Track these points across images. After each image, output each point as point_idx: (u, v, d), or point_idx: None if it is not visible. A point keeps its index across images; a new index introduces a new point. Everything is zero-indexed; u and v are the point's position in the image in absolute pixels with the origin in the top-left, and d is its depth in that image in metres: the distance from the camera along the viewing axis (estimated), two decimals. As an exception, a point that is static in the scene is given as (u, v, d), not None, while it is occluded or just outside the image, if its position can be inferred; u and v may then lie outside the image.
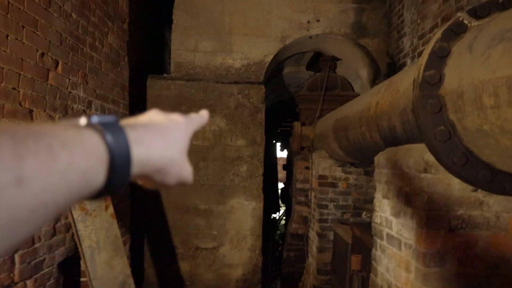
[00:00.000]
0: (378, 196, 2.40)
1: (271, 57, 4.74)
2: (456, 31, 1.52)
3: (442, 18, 3.27)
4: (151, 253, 4.50)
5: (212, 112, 4.59)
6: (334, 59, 5.80)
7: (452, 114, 1.51)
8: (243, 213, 4.55)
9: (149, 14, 4.69)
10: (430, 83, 1.52)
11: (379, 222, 2.37)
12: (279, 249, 8.43)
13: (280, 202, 11.58)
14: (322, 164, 4.61)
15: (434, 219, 1.79)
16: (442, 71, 1.53)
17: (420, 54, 3.68)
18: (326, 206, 4.59)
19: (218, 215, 4.54)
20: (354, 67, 5.45)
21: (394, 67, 4.50)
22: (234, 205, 4.56)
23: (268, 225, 10.63)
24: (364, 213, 4.61)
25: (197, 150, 4.54)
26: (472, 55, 1.37)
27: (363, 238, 2.91)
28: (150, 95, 4.54)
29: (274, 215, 12.55)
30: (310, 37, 4.85)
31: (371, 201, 4.67)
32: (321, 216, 4.58)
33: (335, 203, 4.60)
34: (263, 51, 4.73)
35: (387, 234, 2.23)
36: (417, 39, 3.79)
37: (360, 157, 3.34)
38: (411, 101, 1.80)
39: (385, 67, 4.71)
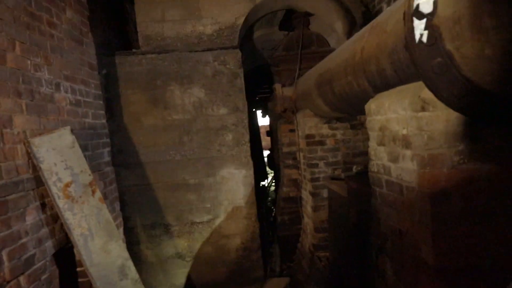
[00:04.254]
0: (372, 144, 2.34)
1: (242, 18, 4.54)
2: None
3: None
4: (147, 235, 4.41)
5: (190, 83, 4.41)
6: (307, 15, 5.63)
7: (449, 44, 1.42)
8: (234, 182, 4.48)
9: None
10: (423, 13, 1.42)
11: (376, 170, 2.32)
12: (273, 214, 8.49)
13: (267, 169, 11.60)
14: (308, 123, 4.53)
15: (435, 158, 1.73)
16: (435, -1, 1.43)
17: (396, -4, 3.55)
18: (316, 165, 4.56)
19: (209, 188, 4.45)
20: (329, 21, 5.29)
21: (369, 15, 4.37)
22: (225, 176, 4.47)
23: (259, 192, 10.68)
24: (354, 167, 4.60)
25: (179, 125, 4.39)
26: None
27: (360, 190, 2.88)
28: (121, 72, 4.31)
29: (263, 183, 12.61)
30: (281, -7, 4.64)
31: (360, 154, 4.67)
32: (312, 176, 4.55)
33: (325, 161, 4.56)
34: (234, 13, 4.51)
35: (386, 181, 2.18)
36: (392, -19, 3.65)
37: (348, 110, 3.26)
38: (402, 38, 1.70)
39: (361, 17, 4.58)
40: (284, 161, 6.17)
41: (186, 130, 4.40)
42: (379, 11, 4.03)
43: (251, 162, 4.53)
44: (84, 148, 2.95)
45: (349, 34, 4.91)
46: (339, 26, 5.07)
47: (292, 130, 5.51)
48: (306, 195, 4.89)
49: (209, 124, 4.42)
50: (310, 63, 5.64)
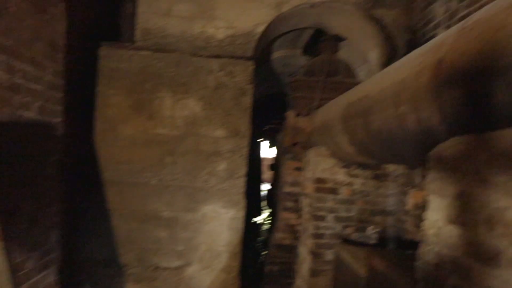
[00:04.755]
0: (435, 217, 1.43)
1: (263, 27, 3.76)
2: None
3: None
4: (98, 273, 3.45)
5: (185, 93, 3.57)
6: (338, 39, 4.86)
7: None
8: (218, 223, 3.55)
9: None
10: None
11: (435, 262, 1.40)
12: (260, 259, 7.43)
13: (262, 205, 10.65)
14: (321, 165, 3.65)
15: None
16: None
17: (461, 19, 2.73)
18: (323, 218, 3.64)
19: (185, 226, 3.52)
20: (362, 49, 4.50)
21: (414, 45, 3.55)
22: (208, 213, 3.55)
23: (248, 230, 9.66)
24: (371, 228, 3.67)
25: (162, 141, 3.52)
26: None
27: (390, 277, 1.94)
28: (104, 67, 3.50)
29: (255, 219, 11.57)
30: (312, 6, 3.88)
31: (380, 213, 3.72)
32: (316, 231, 3.62)
33: (335, 214, 3.64)
34: (253, 19, 3.73)
35: (457, 288, 1.26)
36: (457, 1, 2.85)
37: (383, 155, 2.37)
38: None
39: (404, 45, 3.77)
40: (284, 202, 5.26)
41: (170, 149, 3.52)
42: (431, 38, 3.21)
43: (243, 201, 3.61)
44: (7, 153, 2.08)
45: (385, 65, 4.09)
46: (374, 55, 4.27)
47: (298, 169, 4.65)
48: (304, 252, 3.93)
49: (200, 147, 3.55)
50: (333, 94, 4.82)
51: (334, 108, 3.08)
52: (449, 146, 1.38)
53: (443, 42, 1.45)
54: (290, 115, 4.19)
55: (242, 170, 3.60)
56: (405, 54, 3.74)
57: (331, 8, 3.95)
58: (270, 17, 3.75)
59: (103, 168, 3.47)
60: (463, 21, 1.41)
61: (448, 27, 2.94)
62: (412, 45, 3.61)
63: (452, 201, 1.31)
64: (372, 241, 3.66)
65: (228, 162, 3.57)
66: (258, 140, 13.71)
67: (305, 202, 4.19)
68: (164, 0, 3.68)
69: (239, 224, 3.59)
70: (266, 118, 11.01)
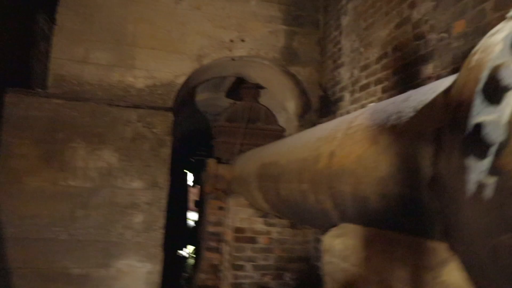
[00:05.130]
0: None
1: (184, 78, 3.82)
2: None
3: (394, 47, 2.67)
4: None
5: (101, 143, 3.46)
6: (258, 87, 5.09)
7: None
8: (133, 279, 3.42)
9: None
10: (488, 141, 0.72)
11: None
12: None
13: (188, 237, 10.41)
14: (240, 214, 3.73)
15: None
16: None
17: (363, 87, 3.05)
18: (242, 267, 3.68)
19: (98, 283, 3.34)
20: (280, 98, 4.76)
21: (327, 101, 3.86)
22: (122, 269, 3.41)
23: (173, 265, 9.35)
24: (288, 275, 3.79)
25: (74, 194, 3.35)
26: None
27: None
28: (9, 115, 3.28)
29: (181, 252, 11.25)
30: (233, 59, 4.04)
31: (296, 260, 3.88)
32: (235, 280, 3.65)
33: (253, 263, 3.71)
34: (174, 70, 3.78)
35: None
36: (358, 70, 3.17)
37: (293, 218, 2.51)
38: (413, 166, 1.00)
39: (317, 101, 4.06)
40: (207, 242, 5.23)
41: (83, 202, 3.36)
42: (340, 99, 3.52)
43: (161, 254, 3.53)
44: None
45: (302, 116, 4.37)
46: (291, 106, 4.53)
47: (222, 208, 4.69)
48: (225, 302, 3.92)
49: (116, 199, 3.44)
50: (254, 140, 5.00)
51: (251, 164, 3.19)
52: (341, 232, 1.52)
53: (335, 135, 1.62)
54: (211, 162, 4.25)
55: (160, 222, 3.54)
56: (317, 109, 4.06)
57: (251, 62, 4.15)
58: (191, 68, 3.83)
59: (6, 223, 3.20)
60: (349, 117, 1.59)
61: (353, 92, 3.25)
62: (324, 102, 3.91)
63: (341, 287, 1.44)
64: (289, 288, 3.78)
65: (145, 214, 3.49)
66: (185, 171, 13.53)
67: (226, 250, 4.21)
68: (81, 47, 3.59)
69: (156, 279, 3.50)
70: (193, 149, 10.97)
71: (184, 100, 4.71)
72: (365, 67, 3.06)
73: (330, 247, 1.54)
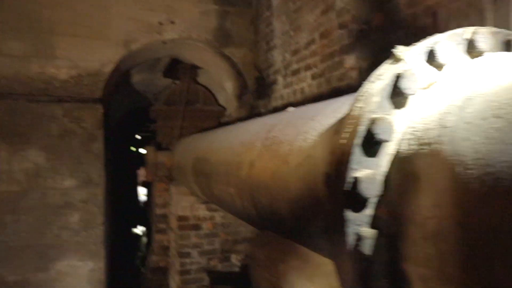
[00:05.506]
0: None
1: (112, 66, 3.60)
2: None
3: (321, 34, 2.67)
4: None
5: (25, 143, 3.24)
6: (195, 68, 4.95)
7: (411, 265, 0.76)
8: (76, 279, 3.34)
9: None
10: (363, 196, 0.74)
11: None
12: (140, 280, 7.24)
13: (141, 214, 10.28)
14: (182, 203, 3.72)
15: None
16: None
17: (294, 72, 3.05)
18: (188, 254, 3.71)
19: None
20: (218, 79, 4.67)
21: (263, 83, 3.84)
22: (62, 270, 3.31)
23: (128, 244, 9.24)
24: (234, 256, 3.88)
25: (0, 200, 3.14)
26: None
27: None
28: None
29: (135, 230, 11.12)
30: (164, 43, 3.86)
31: (242, 241, 3.97)
32: (182, 267, 3.68)
33: (199, 249, 3.75)
34: (100, 58, 3.55)
35: None
36: (290, 54, 3.16)
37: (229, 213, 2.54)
38: (314, 198, 1.02)
39: (253, 82, 4.03)
40: (157, 224, 5.20)
41: (11, 208, 3.17)
42: (274, 82, 3.51)
43: (102, 251, 3.46)
44: None
45: (240, 97, 4.33)
46: (229, 86, 4.46)
47: (167, 190, 4.64)
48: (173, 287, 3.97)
49: (48, 200, 3.27)
50: (195, 122, 4.91)
51: (187, 155, 3.14)
52: (263, 242, 1.55)
53: (255, 144, 1.61)
54: (150, 150, 4.14)
55: (99, 218, 3.44)
56: (254, 90, 4.03)
57: (183, 44, 3.99)
58: (119, 55, 3.62)
59: None
60: (268, 129, 1.58)
61: (285, 76, 3.25)
62: (260, 82, 3.88)
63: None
64: (237, 269, 3.88)
65: (81, 213, 3.37)
66: (132, 149, 13.16)
67: (172, 237, 4.20)
68: (-9, 36, 3.26)
69: (100, 276, 3.44)
70: (140, 126, 10.66)
71: (118, 85, 4.49)
72: (295, 52, 3.04)
73: (254, 254, 1.57)
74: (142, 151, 9.72)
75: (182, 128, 4.72)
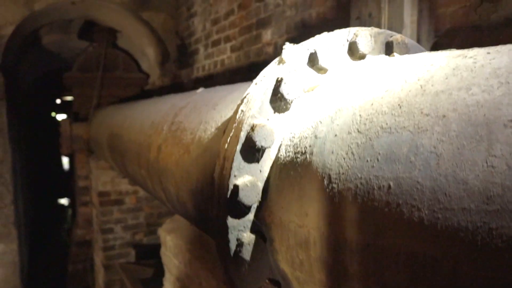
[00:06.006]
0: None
1: (11, 28, 3.22)
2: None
3: (239, 5, 2.59)
4: None
5: None
6: (114, 31, 4.59)
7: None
8: (-16, 264, 3.12)
9: None
10: (244, 204, 0.74)
11: None
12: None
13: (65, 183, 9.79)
14: (102, 177, 3.56)
15: None
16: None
17: (215, 43, 2.97)
18: (111, 230, 3.61)
19: None
20: (139, 44, 4.40)
21: (185, 51, 3.70)
22: (-33, 255, 3.06)
23: (53, 215, 8.80)
24: (159, 230, 3.84)
25: None
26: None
27: None
28: None
29: (61, 201, 10.60)
30: (73, 3, 3.51)
31: (167, 214, 3.93)
32: (105, 244, 3.58)
33: (122, 224, 3.66)
34: (-4, 19, 3.15)
35: None
36: (210, 23, 3.05)
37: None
38: (210, 194, 1.01)
39: (175, 50, 3.86)
40: (80, 197, 4.97)
41: None
42: (196, 52, 3.39)
43: (14, 231, 3.24)
44: None
45: (162, 64, 4.14)
46: (151, 52, 4.24)
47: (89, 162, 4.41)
48: (98, 264, 3.87)
49: None
50: (114, 91, 4.62)
51: (102, 129, 2.97)
52: (171, 228, 1.53)
53: (162, 128, 1.55)
54: (64, 123, 3.85)
55: (7, 198, 3.19)
56: (176, 58, 3.87)
57: (95, 5, 3.66)
58: (19, 16, 3.23)
59: None
60: (175, 113, 1.53)
61: (206, 46, 3.14)
62: (182, 50, 3.73)
63: (176, 280, 1.49)
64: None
65: (-15, 193, 3.09)
66: (54, 114, 12.27)
67: (93, 213, 4.04)
68: None
69: (13, 258, 3.24)
70: (59, 90, 9.91)
71: (26, 47, 4.05)
72: (215, 22, 2.94)
73: (164, 241, 1.56)
74: (61, 117, 9.06)
75: (101, 97, 4.43)
